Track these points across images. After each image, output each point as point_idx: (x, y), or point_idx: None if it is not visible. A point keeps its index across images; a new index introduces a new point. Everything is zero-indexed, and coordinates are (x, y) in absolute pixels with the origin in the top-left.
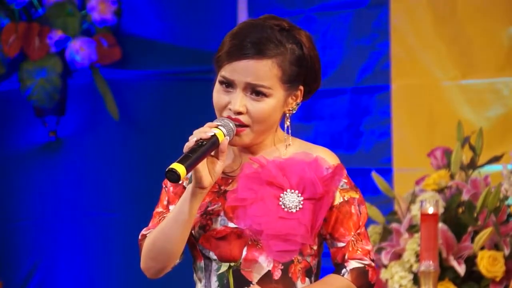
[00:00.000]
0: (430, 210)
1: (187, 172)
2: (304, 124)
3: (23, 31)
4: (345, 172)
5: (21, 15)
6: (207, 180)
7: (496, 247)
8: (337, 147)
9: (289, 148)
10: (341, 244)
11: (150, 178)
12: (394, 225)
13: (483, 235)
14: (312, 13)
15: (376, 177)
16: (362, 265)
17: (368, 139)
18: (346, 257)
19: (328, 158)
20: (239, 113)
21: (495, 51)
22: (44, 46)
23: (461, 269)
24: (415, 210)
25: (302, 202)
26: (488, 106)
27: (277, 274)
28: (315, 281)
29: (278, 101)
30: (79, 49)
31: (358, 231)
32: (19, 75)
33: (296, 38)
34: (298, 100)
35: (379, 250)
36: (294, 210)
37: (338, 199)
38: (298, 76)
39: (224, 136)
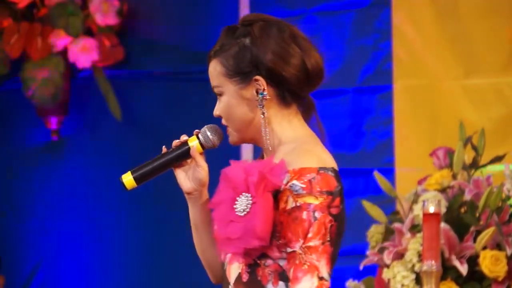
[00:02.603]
0: (432, 210)
1: (139, 181)
2: None
3: (25, 31)
4: (307, 177)
5: (24, 15)
6: (186, 185)
7: (498, 247)
8: (339, 147)
9: (280, 149)
10: (289, 249)
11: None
12: (396, 225)
13: (485, 235)
14: (314, 13)
15: (378, 177)
16: None
17: (370, 139)
18: (291, 273)
19: (298, 161)
20: (218, 116)
21: (498, 51)
22: (47, 46)
23: (463, 269)
24: (417, 210)
25: (249, 206)
26: (491, 106)
27: (245, 277)
28: None
29: (230, 96)
30: (82, 49)
31: (309, 243)
32: (22, 75)
33: (242, 31)
34: (261, 90)
35: (381, 250)
36: (241, 214)
37: (290, 204)
38: (244, 66)
39: (199, 141)
